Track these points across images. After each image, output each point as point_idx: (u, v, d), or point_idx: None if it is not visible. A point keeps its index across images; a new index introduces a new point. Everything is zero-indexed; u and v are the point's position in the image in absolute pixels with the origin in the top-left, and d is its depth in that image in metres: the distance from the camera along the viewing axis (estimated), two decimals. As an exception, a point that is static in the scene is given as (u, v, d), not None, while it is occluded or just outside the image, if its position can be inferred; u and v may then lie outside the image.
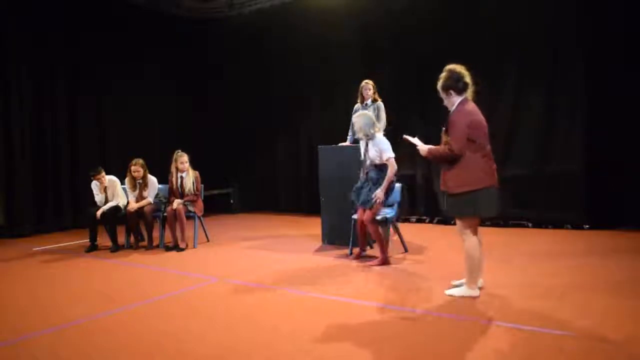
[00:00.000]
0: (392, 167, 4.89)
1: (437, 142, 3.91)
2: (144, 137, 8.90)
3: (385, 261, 4.93)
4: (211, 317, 3.60)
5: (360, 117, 5.02)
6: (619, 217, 6.36)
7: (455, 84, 3.72)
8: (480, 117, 3.73)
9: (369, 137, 4.95)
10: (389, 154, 4.89)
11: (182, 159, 6.16)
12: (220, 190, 9.34)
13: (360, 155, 5.17)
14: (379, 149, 4.89)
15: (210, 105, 9.97)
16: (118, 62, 8.53)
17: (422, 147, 3.91)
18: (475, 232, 3.78)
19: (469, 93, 3.77)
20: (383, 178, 4.89)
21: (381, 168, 4.94)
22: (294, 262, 5.24)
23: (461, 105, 3.72)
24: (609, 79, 6.24)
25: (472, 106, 3.74)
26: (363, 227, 5.08)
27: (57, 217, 7.87)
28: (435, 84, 3.85)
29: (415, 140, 4.00)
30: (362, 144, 5.13)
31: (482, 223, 6.53)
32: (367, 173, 4.99)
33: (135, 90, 8.95)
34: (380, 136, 4.99)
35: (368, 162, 4.97)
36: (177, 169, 6.19)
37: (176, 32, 9.26)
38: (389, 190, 4.94)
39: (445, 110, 3.87)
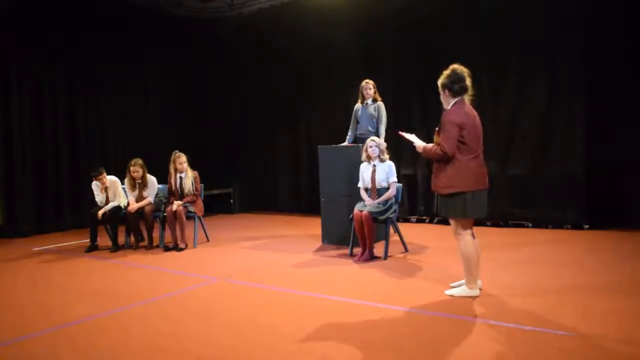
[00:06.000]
0: (394, 190, 5.29)
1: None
2: (144, 137, 8.90)
3: (369, 256, 5.17)
4: (211, 317, 3.60)
5: (382, 141, 5.48)
6: (619, 217, 6.37)
7: (451, 85, 3.69)
8: (474, 120, 3.69)
9: (382, 160, 5.34)
10: (395, 178, 5.31)
11: (180, 160, 6.15)
12: (220, 190, 9.34)
13: (361, 160, 5.50)
14: (390, 172, 5.30)
15: (210, 105, 9.97)
16: (118, 62, 8.52)
17: (418, 144, 3.91)
18: (470, 232, 3.78)
19: (467, 97, 3.75)
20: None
21: (387, 188, 5.35)
22: (294, 262, 5.24)
23: (455, 105, 3.70)
24: (609, 79, 6.25)
25: (467, 108, 3.70)
26: (360, 224, 5.13)
27: (57, 217, 7.86)
28: (436, 84, 3.85)
29: (411, 137, 3.99)
30: (367, 166, 5.40)
31: (483, 223, 6.65)
32: (377, 193, 5.32)
33: (135, 90, 8.96)
34: (390, 161, 5.39)
35: (376, 183, 5.29)
36: (175, 169, 6.19)
37: (176, 32, 9.25)
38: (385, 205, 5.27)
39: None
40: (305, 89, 8.84)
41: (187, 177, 6.19)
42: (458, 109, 3.68)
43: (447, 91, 3.73)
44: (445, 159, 3.66)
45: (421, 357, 2.82)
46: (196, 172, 6.31)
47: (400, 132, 4.13)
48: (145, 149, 8.29)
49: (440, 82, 3.77)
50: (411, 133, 4.07)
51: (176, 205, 6.01)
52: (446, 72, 3.74)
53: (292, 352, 2.94)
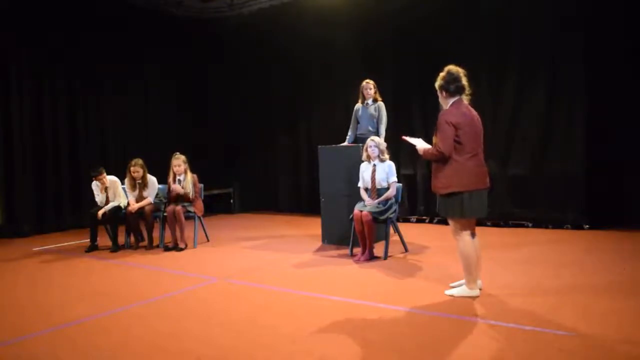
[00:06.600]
0: (394, 190, 5.29)
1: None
2: (144, 137, 8.90)
3: (369, 256, 5.17)
4: (211, 317, 3.60)
5: (381, 141, 5.47)
6: (619, 217, 6.37)
7: (447, 86, 3.69)
8: (471, 120, 3.68)
9: (382, 160, 5.33)
10: (395, 178, 5.32)
11: (178, 162, 6.12)
12: (220, 190, 9.34)
13: (360, 160, 5.51)
14: (390, 172, 5.30)
15: (210, 105, 9.98)
16: (118, 62, 8.52)
17: (419, 147, 3.91)
18: (470, 232, 3.78)
19: (465, 96, 3.74)
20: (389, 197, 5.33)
21: (387, 188, 5.35)
22: (294, 262, 5.24)
23: (452, 106, 3.71)
24: (609, 79, 6.25)
25: (464, 108, 3.70)
26: (360, 224, 5.12)
27: (57, 217, 7.86)
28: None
29: (413, 140, 3.99)
30: (367, 166, 5.40)
31: (483, 223, 6.65)
32: (377, 193, 5.32)
33: (135, 90, 8.96)
34: (390, 161, 5.38)
35: (376, 182, 5.29)
36: (174, 172, 6.18)
37: (176, 32, 9.25)
38: (385, 204, 5.28)
39: None
40: (305, 89, 8.84)
41: (186, 180, 6.17)
42: (455, 109, 3.69)
43: (444, 92, 3.74)
44: (443, 159, 3.66)
45: (421, 357, 2.82)
46: (195, 175, 6.28)
47: (403, 137, 4.13)
48: (145, 149, 8.29)
49: (437, 84, 3.77)
50: (412, 135, 4.08)
51: (177, 189, 6.02)
52: (441, 74, 3.75)
53: (292, 352, 2.94)
